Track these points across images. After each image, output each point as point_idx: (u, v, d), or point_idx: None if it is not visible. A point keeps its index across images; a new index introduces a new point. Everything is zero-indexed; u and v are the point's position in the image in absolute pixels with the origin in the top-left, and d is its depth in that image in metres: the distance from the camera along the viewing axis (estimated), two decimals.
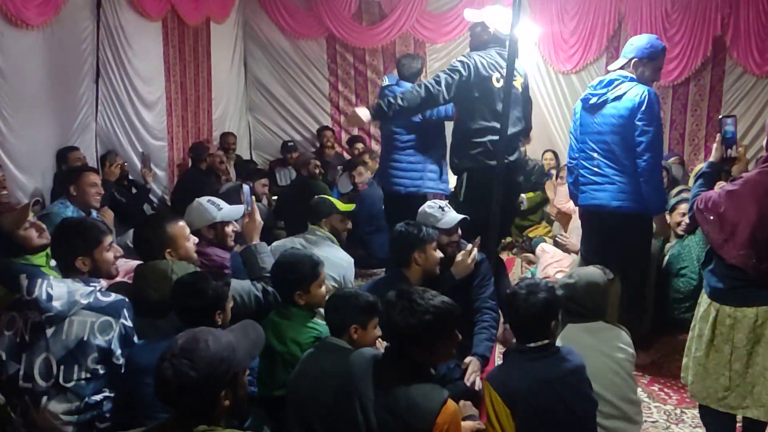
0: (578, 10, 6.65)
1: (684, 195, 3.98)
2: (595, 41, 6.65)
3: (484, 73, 3.38)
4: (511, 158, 3.47)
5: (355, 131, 7.40)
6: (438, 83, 3.37)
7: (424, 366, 1.93)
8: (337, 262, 3.19)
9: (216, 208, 2.88)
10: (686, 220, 3.86)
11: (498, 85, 3.38)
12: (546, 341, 2.12)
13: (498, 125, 3.31)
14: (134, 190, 4.88)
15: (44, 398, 2.03)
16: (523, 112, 3.65)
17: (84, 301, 2.09)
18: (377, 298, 2.29)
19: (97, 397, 2.08)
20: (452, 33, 6.94)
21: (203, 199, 2.94)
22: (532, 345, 2.11)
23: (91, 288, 2.14)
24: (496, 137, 3.34)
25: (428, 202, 3.24)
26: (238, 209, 2.91)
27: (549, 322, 2.13)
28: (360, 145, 6.68)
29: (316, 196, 3.66)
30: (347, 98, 7.46)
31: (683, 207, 3.77)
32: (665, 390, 3.22)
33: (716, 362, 2.36)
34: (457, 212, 3.09)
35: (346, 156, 6.81)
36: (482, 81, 3.39)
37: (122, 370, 2.11)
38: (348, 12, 7.05)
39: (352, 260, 3.39)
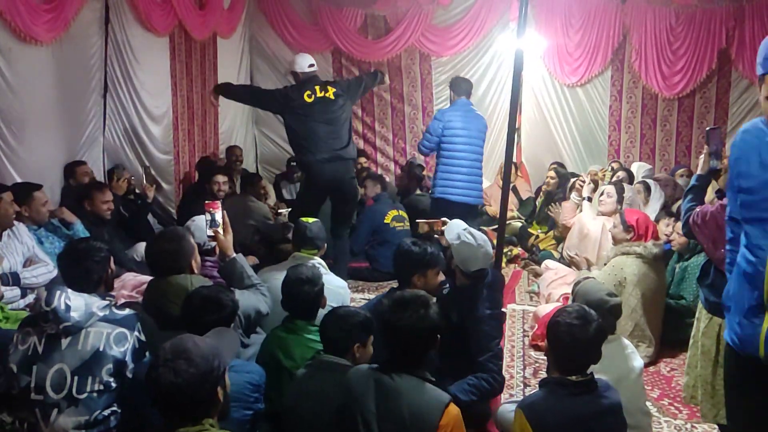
0: (583, 24, 6.68)
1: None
2: (600, 54, 6.67)
3: (293, 95, 4.35)
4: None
5: (360, 145, 7.42)
6: (267, 90, 4.81)
7: (421, 370, 1.96)
8: (334, 290, 3.07)
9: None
10: (678, 238, 3.86)
11: (309, 100, 4.31)
12: (589, 376, 2.01)
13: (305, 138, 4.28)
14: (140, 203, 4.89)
15: (55, 411, 2.03)
16: (338, 124, 4.36)
17: (100, 313, 2.14)
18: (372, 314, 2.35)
19: (106, 412, 2.09)
20: (457, 46, 6.97)
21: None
22: (574, 379, 1.99)
23: (107, 302, 2.20)
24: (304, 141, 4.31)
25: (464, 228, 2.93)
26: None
27: (598, 355, 2.02)
28: (363, 160, 6.66)
29: (300, 224, 3.35)
30: (353, 111, 7.48)
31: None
32: (675, 404, 3.20)
33: (723, 378, 2.30)
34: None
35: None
36: (290, 100, 4.35)
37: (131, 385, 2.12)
38: (353, 26, 7.09)
39: (346, 284, 3.36)
